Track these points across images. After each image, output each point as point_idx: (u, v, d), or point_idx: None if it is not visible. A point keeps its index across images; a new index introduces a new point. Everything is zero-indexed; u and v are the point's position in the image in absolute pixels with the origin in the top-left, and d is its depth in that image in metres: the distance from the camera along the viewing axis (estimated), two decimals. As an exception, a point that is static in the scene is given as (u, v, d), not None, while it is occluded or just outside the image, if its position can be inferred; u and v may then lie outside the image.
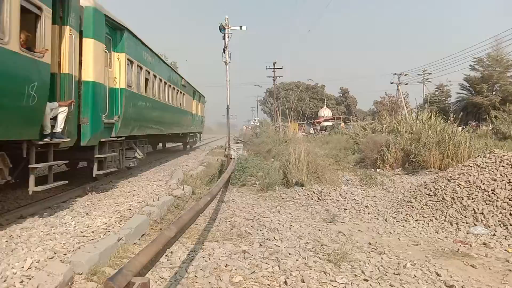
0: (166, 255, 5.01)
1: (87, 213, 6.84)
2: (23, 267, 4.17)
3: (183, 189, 9.18)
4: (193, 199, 8.98)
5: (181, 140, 24.46)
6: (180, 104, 19.77)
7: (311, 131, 55.85)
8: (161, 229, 6.28)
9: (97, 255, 4.45)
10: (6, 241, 5.09)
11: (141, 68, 12.10)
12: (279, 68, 50.17)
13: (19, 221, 6.14)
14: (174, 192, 8.88)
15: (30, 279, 3.83)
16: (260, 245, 5.61)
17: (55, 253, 4.69)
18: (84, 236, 5.48)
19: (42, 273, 3.79)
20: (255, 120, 74.84)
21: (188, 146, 25.99)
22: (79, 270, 4.15)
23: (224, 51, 17.74)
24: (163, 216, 7.17)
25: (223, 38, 17.69)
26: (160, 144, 25.27)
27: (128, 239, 5.37)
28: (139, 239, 5.76)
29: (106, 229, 5.92)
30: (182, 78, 20.42)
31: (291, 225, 6.91)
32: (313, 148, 13.65)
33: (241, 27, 18.58)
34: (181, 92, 19.76)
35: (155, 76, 14.05)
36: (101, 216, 6.67)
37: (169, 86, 16.80)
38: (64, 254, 4.70)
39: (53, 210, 7.02)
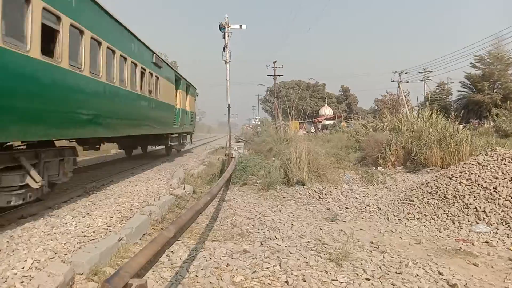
0: (167, 255, 5.00)
1: (88, 213, 6.83)
2: (23, 268, 4.16)
3: (184, 189, 9.16)
4: (194, 198, 8.97)
5: (160, 143, 18.03)
6: (151, 91, 13.18)
7: (312, 129, 55.81)
8: (162, 228, 6.27)
9: (98, 255, 4.44)
10: (7, 242, 5.08)
11: (27, 1, 5.95)
12: (279, 67, 50.18)
13: (20, 221, 6.13)
14: (175, 192, 8.87)
15: (30, 279, 3.81)
16: (262, 244, 5.60)
17: (55, 253, 4.68)
18: (84, 236, 5.47)
19: (42, 274, 3.78)
20: (256, 119, 74.79)
21: (173, 150, 20.20)
22: (79, 270, 4.14)
23: (224, 50, 17.71)
24: (164, 216, 7.16)
25: (223, 37, 17.66)
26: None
27: (129, 239, 5.36)
28: (140, 239, 5.75)
29: (107, 229, 5.91)
30: (154, 53, 13.55)
31: (292, 224, 6.89)
32: (314, 147, 13.59)
33: (241, 26, 18.57)
34: (151, 74, 13.20)
35: (81, 33, 7.77)
36: (102, 216, 6.66)
37: (125, 60, 10.42)
38: (65, 254, 4.69)
39: (54, 210, 7.01)
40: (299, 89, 70.15)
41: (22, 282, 3.81)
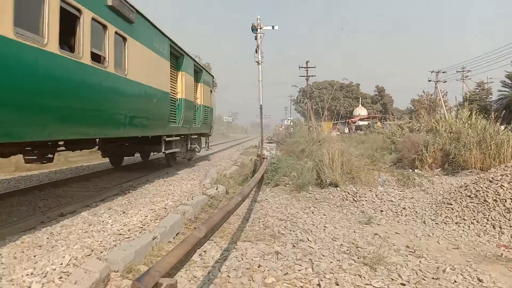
0: (199, 254, 5.05)
1: (124, 212, 7.01)
2: (62, 264, 4.30)
3: (216, 189, 9.25)
4: (226, 198, 9.03)
5: (150, 150, 13.29)
6: (102, 59, 7.50)
7: (346, 130, 55.07)
8: (195, 228, 6.34)
9: (133, 253, 4.53)
10: (47, 238, 5.28)
11: None
12: (312, 67, 49.88)
13: (60, 218, 6.37)
14: (208, 192, 8.97)
15: (68, 275, 3.93)
16: (293, 246, 5.56)
17: (92, 251, 4.81)
18: (120, 234, 5.61)
19: (79, 270, 3.89)
20: (288, 119, 74.54)
21: (180, 158, 15.06)
22: (115, 267, 4.24)
23: (256, 51, 17.73)
24: (197, 215, 7.25)
25: (255, 38, 17.69)
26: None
27: (163, 238, 5.45)
28: (173, 238, 5.83)
29: (142, 227, 6.04)
30: None
31: (325, 227, 6.81)
32: (348, 148, 13.40)
33: (273, 27, 18.55)
34: (103, 26, 7.50)
35: None
36: (137, 214, 6.81)
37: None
38: (101, 252, 4.82)
39: (91, 208, 7.24)
40: (332, 89, 69.39)
41: (61, 277, 3.94)
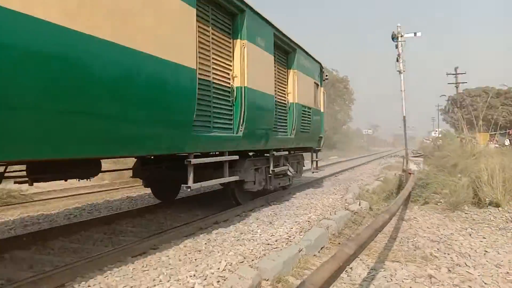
0: (346, 271, 4.98)
1: (271, 222, 7.33)
2: (218, 268, 4.68)
3: (359, 204, 9.02)
4: (370, 215, 8.76)
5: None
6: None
7: (506, 142, 48.51)
8: (339, 243, 6.30)
9: (281, 264, 4.69)
10: (205, 244, 5.83)
11: None
12: (462, 73, 45.52)
13: (214, 226, 6.98)
14: (350, 207, 8.82)
15: (224, 280, 4.27)
16: (449, 270, 5.10)
17: (244, 258, 5.14)
18: (268, 244, 5.87)
19: (234, 276, 4.19)
20: (436, 131, 68.91)
21: (256, 188, 8.51)
22: (265, 276, 4.43)
23: (397, 60, 17.00)
24: (341, 231, 7.17)
25: (396, 47, 16.99)
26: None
27: (308, 251, 5.52)
28: (318, 252, 5.87)
29: (288, 239, 6.23)
30: None
31: (485, 251, 6.08)
32: (510, 163, 11.78)
33: (415, 34, 17.63)
34: None
35: None
36: (282, 226, 7.06)
37: None
38: (252, 260, 5.11)
39: (241, 217, 7.76)
40: (487, 96, 62.25)
41: (218, 281, 4.29)
